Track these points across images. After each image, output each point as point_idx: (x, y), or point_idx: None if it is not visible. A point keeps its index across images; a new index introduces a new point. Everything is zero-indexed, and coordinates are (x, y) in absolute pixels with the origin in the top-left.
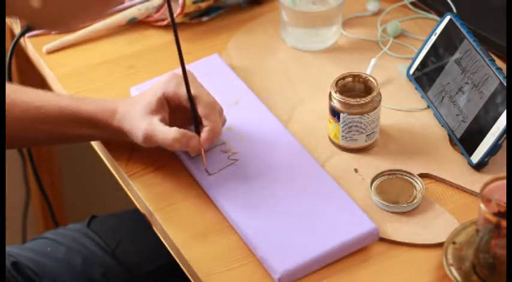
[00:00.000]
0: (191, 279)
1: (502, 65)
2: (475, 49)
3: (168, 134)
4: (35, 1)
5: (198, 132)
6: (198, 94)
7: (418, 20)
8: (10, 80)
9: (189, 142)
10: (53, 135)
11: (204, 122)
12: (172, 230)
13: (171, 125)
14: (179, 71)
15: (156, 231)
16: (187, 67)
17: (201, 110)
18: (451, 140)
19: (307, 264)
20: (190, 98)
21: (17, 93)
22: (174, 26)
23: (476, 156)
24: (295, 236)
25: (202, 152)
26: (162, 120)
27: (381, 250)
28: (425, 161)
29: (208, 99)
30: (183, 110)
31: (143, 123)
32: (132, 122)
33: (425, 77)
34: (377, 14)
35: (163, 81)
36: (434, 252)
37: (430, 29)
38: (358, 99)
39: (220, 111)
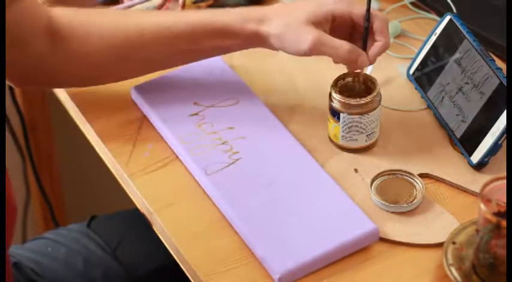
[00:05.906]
0: (191, 279)
1: (502, 65)
2: (475, 49)
3: (339, 44)
4: None
5: (364, 50)
6: (372, 11)
7: (418, 20)
8: None
9: (358, 57)
10: (187, 52)
11: (378, 37)
12: (172, 230)
13: None
14: None
15: (156, 231)
16: None
17: (376, 25)
18: (451, 140)
19: (307, 264)
20: (369, 13)
21: (144, 17)
22: None
23: (476, 156)
24: (295, 236)
25: (365, 70)
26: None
27: (381, 250)
28: (425, 161)
29: (382, 15)
30: (341, 30)
31: (310, 29)
32: (291, 28)
33: (425, 77)
34: None
35: (332, 0)
36: (434, 252)
37: (430, 29)
38: (358, 99)
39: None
